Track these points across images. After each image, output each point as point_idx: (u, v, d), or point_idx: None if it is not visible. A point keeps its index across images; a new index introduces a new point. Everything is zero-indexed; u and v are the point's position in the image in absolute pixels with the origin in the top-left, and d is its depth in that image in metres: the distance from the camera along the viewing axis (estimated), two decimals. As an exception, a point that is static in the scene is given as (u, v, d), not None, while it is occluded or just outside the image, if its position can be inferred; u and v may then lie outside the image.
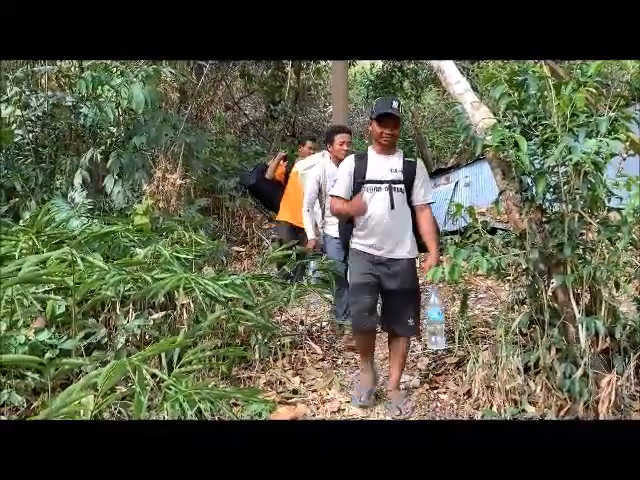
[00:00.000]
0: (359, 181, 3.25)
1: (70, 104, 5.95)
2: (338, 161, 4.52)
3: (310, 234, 4.84)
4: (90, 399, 2.40)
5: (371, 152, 3.34)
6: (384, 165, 3.26)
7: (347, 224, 3.40)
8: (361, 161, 3.29)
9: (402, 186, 3.23)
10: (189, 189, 6.33)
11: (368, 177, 3.23)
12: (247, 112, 12.02)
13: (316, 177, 4.75)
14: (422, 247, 3.40)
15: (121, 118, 6.30)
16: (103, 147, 6.05)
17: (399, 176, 3.23)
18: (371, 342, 3.52)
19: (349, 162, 3.36)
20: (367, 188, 3.23)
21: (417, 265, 3.52)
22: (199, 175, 6.97)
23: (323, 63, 11.22)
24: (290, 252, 4.63)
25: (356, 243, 3.35)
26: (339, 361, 4.24)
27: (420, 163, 3.39)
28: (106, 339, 3.44)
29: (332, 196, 3.41)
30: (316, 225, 4.95)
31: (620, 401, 2.80)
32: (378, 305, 3.47)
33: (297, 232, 5.41)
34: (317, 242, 4.88)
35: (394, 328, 3.40)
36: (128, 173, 5.71)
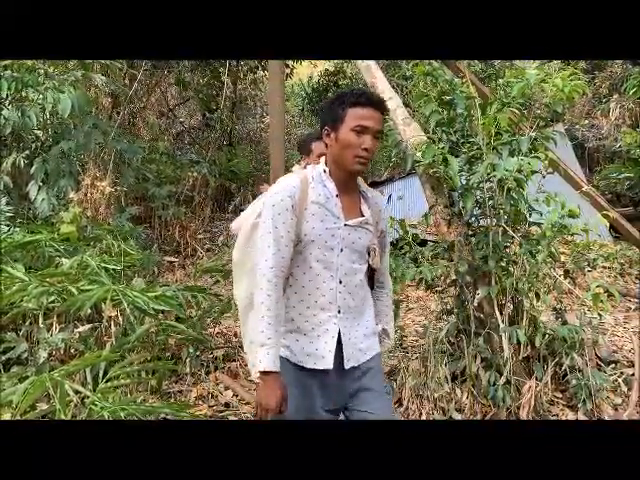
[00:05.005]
0: None
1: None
2: None
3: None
4: (6, 418, 2.29)
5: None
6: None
7: None
8: None
9: None
10: (119, 197, 6.14)
11: None
12: (182, 119, 11.82)
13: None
14: None
15: (48, 122, 6.04)
16: (27, 152, 5.78)
17: None
18: None
19: None
20: None
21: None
22: (130, 183, 6.77)
23: (261, 73, 11.22)
24: None
25: None
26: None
27: None
28: (27, 354, 3.28)
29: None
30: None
31: (539, 406, 2.95)
32: None
33: None
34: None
35: None
36: (54, 179, 5.47)
